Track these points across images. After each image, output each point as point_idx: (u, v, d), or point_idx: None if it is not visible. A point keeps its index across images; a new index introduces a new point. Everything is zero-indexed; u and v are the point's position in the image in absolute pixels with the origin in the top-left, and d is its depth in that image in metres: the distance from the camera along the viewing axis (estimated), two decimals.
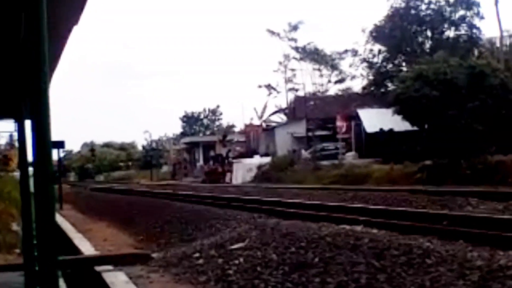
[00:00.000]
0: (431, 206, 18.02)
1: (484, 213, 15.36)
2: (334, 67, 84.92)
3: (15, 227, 18.94)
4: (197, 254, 12.40)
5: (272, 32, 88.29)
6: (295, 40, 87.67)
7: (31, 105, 2.76)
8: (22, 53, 5.18)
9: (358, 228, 12.57)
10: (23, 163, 9.81)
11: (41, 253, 2.55)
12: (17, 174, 22.59)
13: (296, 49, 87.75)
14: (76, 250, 15.71)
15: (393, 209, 16.84)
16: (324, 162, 46.43)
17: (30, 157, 10.01)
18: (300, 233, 11.78)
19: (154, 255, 13.25)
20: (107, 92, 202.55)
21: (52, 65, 6.38)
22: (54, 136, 2.87)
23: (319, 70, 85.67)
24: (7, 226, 18.48)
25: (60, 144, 32.29)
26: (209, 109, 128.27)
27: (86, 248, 15.59)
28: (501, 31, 53.93)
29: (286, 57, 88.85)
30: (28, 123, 9.35)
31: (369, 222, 13.85)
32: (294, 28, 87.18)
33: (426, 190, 23.73)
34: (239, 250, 11.87)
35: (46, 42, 2.84)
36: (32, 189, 9.73)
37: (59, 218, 23.25)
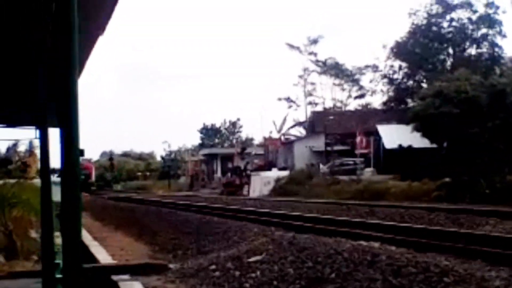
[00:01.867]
0: (449, 225, 17.91)
1: (503, 233, 15.25)
2: (355, 81, 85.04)
3: (33, 234, 19.02)
4: (213, 266, 12.39)
5: (292, 46, 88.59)
6: (315, 54, 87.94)
7: (60, 113, 2.78)
8: (48, 62, 5.23)
9: (376, 244, 12.51)
10: (45, 171, 9.87)
11: (66, 260, 2.57)
12: (36, 181, 22.75)
13: (316, 63, 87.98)
14: (92, 258, 15.74)
15: (411, 226, 16.78)
16: (342, 177, 46.32)
17: (52, 165, 10.11)
18: (317, 248, 11.74)
19: (171, 265, 13.25)
20: (128, 102, 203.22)
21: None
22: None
23: (340, 85, 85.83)
24: (25, 233, 18.56)
25: (80, 152, 32.37)
26: (229, 121, 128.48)
27: (103, 256, 15.60)
28: None
29: (306, 70, 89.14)
30: (51, 131, 9.42)
31: (387, 238, 13.81)
32: (314, 42, 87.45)
33: (444, 208, 23.58)
34: (256, 263, 11.85)
35: (76, 51, 2.88)
36: (53, 196, 9.78)
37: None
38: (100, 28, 4.85)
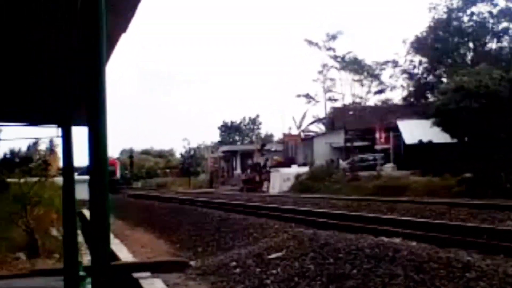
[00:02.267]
0: (471, 220, 17.80)
1: None
2: (374, 77, 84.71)
3: (54, 232, 19.14)
4: (234, 263, 12.42)
5: (311, 42, 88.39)
6: (333, 49, 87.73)
7: (88, 112, 2.78)
8: (73, 62, 5.24)
9: (397, 240, 12.49)
10: (67, 169, 9.92)
11: (94, 258, 2.56)
12: (57, 179, 22.87)
13: (335, 58, 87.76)
14: (114, 256, 15.80)
15: (432, 222, 16.66)
16: (363, 173, 46.16)
17: (74, 163, 10.16)
18: (338, 244, 11.73)
19: (192, 263, 13.30)
20: (148, 99, 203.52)
21: None
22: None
23: (359, 80, 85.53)
24: (46, 231, 18.69)
25: None
26: (249, 118, 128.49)
27: (124, 254, 15.65)
28: None
29: (325, 66, 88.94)
30: (75, 129, 9.48)
31: (408, 234, 13.76)
32: (333, 37, 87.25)
33: (465, 203, 23.44)
34: (276, 260, 11.86)
35: (104, 49, 2.87)
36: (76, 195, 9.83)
37: None
38: (123, 26, 4.87)
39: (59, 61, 5.82)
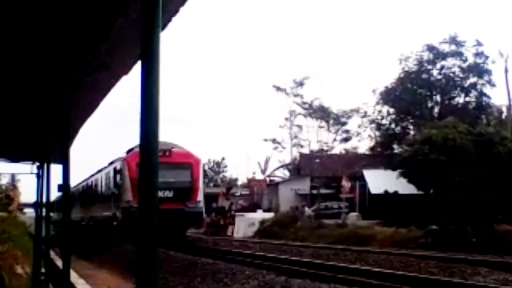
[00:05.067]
0: (441, 273, 17.78)
1: (497, 284, 15.18)
2: (340, 124, 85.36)
3: (19, 270, 18.68)
4: None
5: (278, 88, 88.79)
6: (301, 96, 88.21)
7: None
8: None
9: None
10: (43, 205, 9.74)
11: None
12: (19, 214, 22.49)
13: (302, 105, 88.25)
14: None
15: (404, 274, 16.59)
16: (327, 221, 46.09)
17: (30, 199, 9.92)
18: None
19: None
20: (111, 137, 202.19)
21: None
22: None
23: (325, 127, 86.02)
24: (11, 269, 18.22)
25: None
26: (214, 161, 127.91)
27: None
28: (510, 99, 54.08)
29: (292, 112, 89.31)
30: (53, 167, 9.29)
31: (382, 286, 13.69)
32: (300, 84, 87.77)
33: (433, 256, 23.46)
34: None
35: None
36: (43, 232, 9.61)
37: (59, 262, 22.93)
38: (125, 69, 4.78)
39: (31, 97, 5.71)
